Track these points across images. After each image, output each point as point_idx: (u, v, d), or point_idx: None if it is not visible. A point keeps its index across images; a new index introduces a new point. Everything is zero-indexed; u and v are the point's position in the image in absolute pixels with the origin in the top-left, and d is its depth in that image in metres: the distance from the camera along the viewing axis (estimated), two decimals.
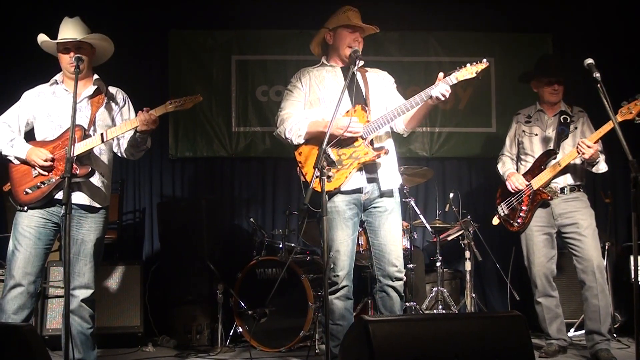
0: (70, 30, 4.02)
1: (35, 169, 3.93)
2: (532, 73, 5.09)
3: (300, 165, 4.11)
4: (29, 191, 3.90)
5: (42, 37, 4.05)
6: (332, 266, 3.75)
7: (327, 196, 3.75)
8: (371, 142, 4.01)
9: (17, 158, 3.97)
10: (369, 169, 4.03)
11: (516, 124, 5.16)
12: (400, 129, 4.24)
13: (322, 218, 3.78)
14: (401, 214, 4.21)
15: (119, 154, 4.26)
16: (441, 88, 3.81)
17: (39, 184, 3.90)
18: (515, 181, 4.94)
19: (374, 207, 4.07)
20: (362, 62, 4.19)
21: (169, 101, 3.97)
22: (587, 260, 4.74)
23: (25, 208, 3.91)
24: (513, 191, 4.96)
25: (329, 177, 3.57)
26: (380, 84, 4.24)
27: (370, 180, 4.04)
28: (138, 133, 3.99)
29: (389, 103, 4.15)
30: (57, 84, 4.11)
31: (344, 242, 4.00)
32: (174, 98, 3.99)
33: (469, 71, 3.83)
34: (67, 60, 4.00)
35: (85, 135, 3.95)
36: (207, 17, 6.65)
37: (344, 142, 3.94)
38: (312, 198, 3.59)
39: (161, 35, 6.61)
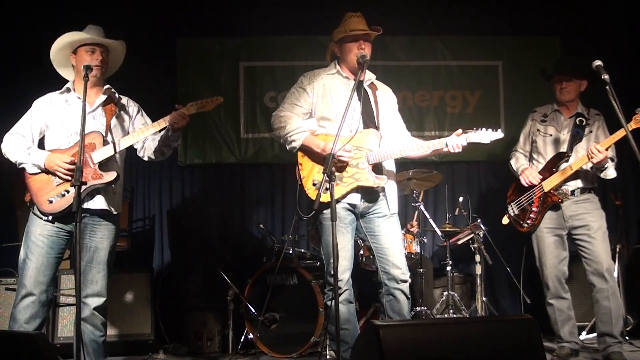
0: (97, 34, 4.05)
1: (56, 176, 3.88)
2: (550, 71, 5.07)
3: (299, 167, 4.10)
4: (53, 200, 3.84)
5: (73, 36, 4.01)
6: (332, 272, 3.74)
7: (323, 204, 3.79)
8: (374, 168, 4.02)
9: (35, 165, 3.90)
10: (368, 196, 4.05)
11: (531, 121, 5.10)
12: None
13: (322, 224, 3.79)
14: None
15: (145, 158, 4.25)
16: (458, 140, 3.92)
17: (63, 192, 3.85)
18: (530, 175, 4.89)
19: (372, 213, 4.08)
20: (373, 77, 4.24)
21: (190, 104, 3.98)
22: (596, 263, 4.71)
23: (50, 218, 3.86)
24: (527, 185, 4.91)
25: (326, 189, 3.57)
26: (388, 106, 4.26)
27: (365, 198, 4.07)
28: (171, 131, 4.00)
29: (393, 125, 4.21)
30: (70, 91, 4.08)
31: (344, 247, 3.98)
32: (194, 101, 4.01)
33: (484, 137, 3.94)
34: (87, 61, 3.95)
35: (105, 142, 3.95)
36: (214, 24, 6.68)
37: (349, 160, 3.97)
38: (309, 205, 3.61)
39: (169, 42, 6.65)
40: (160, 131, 4.07)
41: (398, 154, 4.02)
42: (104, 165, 3.94)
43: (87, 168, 3.87)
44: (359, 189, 4.01)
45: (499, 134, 3.95)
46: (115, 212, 4.06)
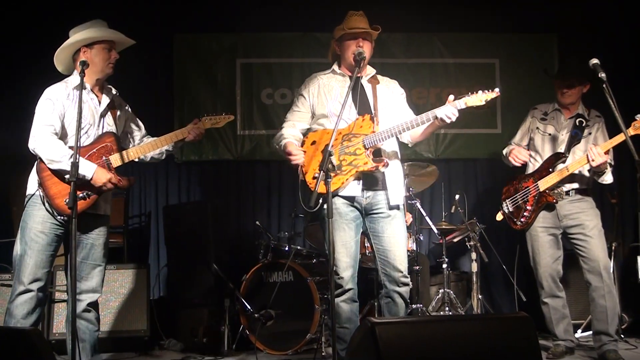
0: (105, 28, 4.06)
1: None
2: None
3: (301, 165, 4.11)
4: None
5: (105, 32, 4.04)
6: (334, 268, 3.73)
7: (323, 198, 3.76)
8: (375, 153, 3.98)
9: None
10: (369, 188, 4.02)
11: (531, 118, 5.08)
12: (406, 140, 4.24)
13: (324, 220, 3.78)
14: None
15: (137, 160, 4.22)
16: (447, 110, 3.82)
17: (84, 195, 3.81)
18: (519, 153, 4.88)
19: (376, 213, 4.03)
20: (373, 72, 4.22)
21: (205, 118, 4.15)
22: (593, 261, 4.71)
23: (66, 218, 3.81)
24: (517, 164, 4.89)
25: (324, 181, 3.57)
26: (389, 97, 4.21)
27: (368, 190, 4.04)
28: (183, 141, 4.17)
29: (398, 116, 4.12)
30: (84, 88, 3.93)
31: (346, 243, 3.97)
32: (208, 115, 4.19)
33: (478, 98, 3.85)
34: (107, 59, 4.02)
35: (119, 144, 3.99)
36: (211, 21, 6.67)
37: (347, 148, 3.95)
38: (311, 199, 3.60)
39: (166, 39, 6.64)
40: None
41: (394, 132, 3.92)
42: (120, 169, 3.97)
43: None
44: (360, 178, 3.98)
45: (494, 93, 3.85)
46: (107, 214, 4.10)
